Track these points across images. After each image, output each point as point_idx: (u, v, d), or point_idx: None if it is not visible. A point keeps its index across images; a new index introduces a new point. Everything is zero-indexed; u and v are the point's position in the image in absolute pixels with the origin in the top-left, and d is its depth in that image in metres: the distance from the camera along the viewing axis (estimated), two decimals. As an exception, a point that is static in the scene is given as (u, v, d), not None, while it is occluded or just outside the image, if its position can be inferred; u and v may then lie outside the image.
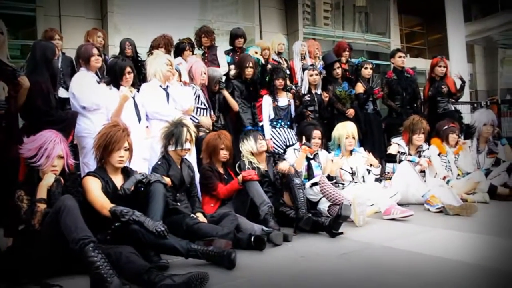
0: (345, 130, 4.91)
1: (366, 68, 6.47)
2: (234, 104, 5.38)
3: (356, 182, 4.86)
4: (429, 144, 5.58)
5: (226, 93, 5.36)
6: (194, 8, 11.18)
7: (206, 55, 6.04)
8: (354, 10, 13.15)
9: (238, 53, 6.19)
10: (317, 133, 4.84)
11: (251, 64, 5.51)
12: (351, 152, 4.93)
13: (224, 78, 5.59)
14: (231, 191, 4.10)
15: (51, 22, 8.79)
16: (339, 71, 6.26)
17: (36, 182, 2.96)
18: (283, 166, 4.28)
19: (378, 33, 12.83)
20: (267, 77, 5.64)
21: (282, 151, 5.32)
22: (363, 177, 4.91)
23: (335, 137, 5.00)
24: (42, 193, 2.89)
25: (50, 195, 2.92)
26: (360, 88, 6.37)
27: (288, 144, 5.45)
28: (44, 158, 2.97)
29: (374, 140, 6.16)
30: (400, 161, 5.20)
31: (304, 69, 6.26)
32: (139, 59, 5.71)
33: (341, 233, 3.75)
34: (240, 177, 4.02)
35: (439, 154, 5.56)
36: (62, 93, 4.82)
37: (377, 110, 6.56)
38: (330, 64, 6.31)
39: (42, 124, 3.47)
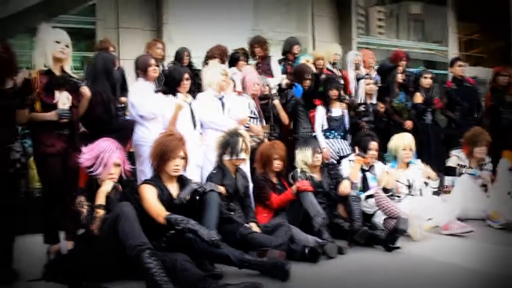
0: (402, 142, 4.77)
1: (425, 77, 6.27)
2: (284, 117, 5.36)
3: (412, 195, 4.69)
4: (497, 157, 5.30)
5: (277, 103, 5.34)
6: (247, 19, 11.27)
7: (260, 65, 6.06)
8: (408, 18, 12.83)
9: (290, 62, 6.18)
10: (373, 144, 4.74)
11: (309, 76, 5.51)
12: (407, 164, 4.78)
13: (277, 88, 5.59)
14: (284, 201, 4.07)
15: (110, 34, 9.12)
16: (401, 76, 6.15)
17: (95, 189, 3.06)
18: (345, 189, 4.19)
19: (434, 42, 12.43)
20: (321, 87, 5.58)
21: (335, 161, 5.23)
22: (420, 190, 4.73)
23: (391, 149, 4.87)
24: (101, 199, 2.99)
25: (108, 201, 3.01)
26: (418, 98, 6.18)
27: (341, 155, 5.36)
28: (102, 167, 3.08)
29: (432, 152, 5.95)
30: (460, 174, 5.00)
31: (358, 79, 6.15)
32: (193, 68, 5.80)
33: (398, 247, 3.65)
34: (294, 187, 3.99)
35: (510, 169, 5.25)
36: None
37: (435, 121, 6.33)
38: (388, 71, 6.16)
39: (102, 132, 3.59)
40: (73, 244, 3.43)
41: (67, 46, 3.54)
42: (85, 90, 3.61)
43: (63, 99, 3.44)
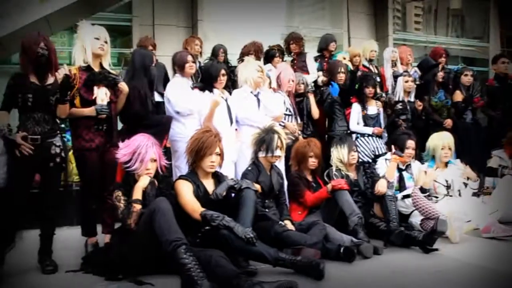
0: (441, 141, 4.64)
1: (466, 75, 6.10)
2: (315, 111, 5.30)
3: (451, 196, 4.56)
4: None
5: (312, 98, 5.30)
6: (281, 15, 11.22)
7: (295, 61, 6.01)
8: (448, 13, 12.49)
9: (326, 59, 6.11)
10: (411, 143, 4.63)
11: (342, 70, 5.46)
12: (446, 164, 4.65)
13: (312, 85, 5.54)
14: (319, 199, 4.04)
15: (146, 31, 9.26)
16: (441, 74, 6.00)
17: (132, 184, 3.10)
18: (381, 188, 4.14)
19: (474, 37, 12.06)
20: (357, 85, 5.49)
21: (371, 160, 5.15)
22: (459, 191, 4.60)
23: (429, 148, 4.74)
24: (137, 194, 3.02)
25: (145, 196, 3.04)
26: (458, 96, 6.02)
27: (376, 153, 5.26)
28: (138, 162, 3.11)
29: (473, 152, 5.77)
30: (502, 175, 4.83)
31: (395, 76, 6.02)
32: (230, 65, 5.81)
33: (436, 249, 3.57)
34: (329, 185, 3.94)
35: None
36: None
37: (476, 119, 6.14)
38: (430, 69, 6.02)
39: (139, 127, 3.64)
40: (110, 237, 3.51)
41: (106, 42, 3.61)
42: (123, 86, 3.66)
43: (101, 95, 3.51)
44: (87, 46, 3.53)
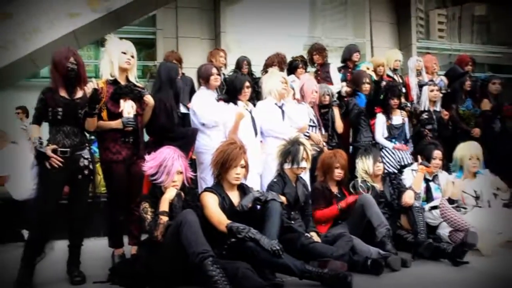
0: (469, 151, 4.57)
1: (494, 83, 6.00)
2: (339, 125, 5.29)
3: (480, 207, 4.47)
4: None
5: (336, 111, 5.30)
6: (303, 25, 11.26)
7: (319, 72, 6.01)
8: (473, 20, 12.32)
9: (350, 69, 6.09)
10: (438, 153, 4.56)
11: (367, 80, 5.42)
12: (475, 174, 4.57)
13: (336, 96, 5.52)
14: (328, 216, 4.05)
15: (169, 43, 9.42)
16: (468, 83, 5.90)
17: (159, 196, 3.12)
18: (409, 199, 4.10)
19: (500, 44, 11.84)
20: (382, 95, 5.45)
21: (396, 171, 5.08)
22: (488, 201, 4.51)
23: (457, 158, 4.68)
24: (164, 206, 3.03)
25: (171, 208, 3.05)
26: (486, 105, 5.91)
27: (402, 164, 5.19)
28: (165, 175, 3.13)
29: (502, 161, 5.63)
30: (535, 185, 4.70)
31: (420, 86, 5.96)
32: (254, 77, 5.84)
33: (466, 262, 3.48)
34: (340, 204, 3.96)
35: None
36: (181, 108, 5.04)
37: (506, 128, 5.99)
38: (458, 77, 5.93)
39: (165, 139, 3.68)
40: (136, 249, 3.54)
41: (132, 56, 3.67)
42: (149, 99, 3.70)
43: (128, 108, 3.56)
44: (114, 60, 3.59)
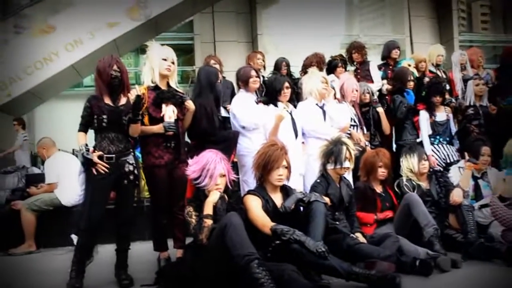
0: (519, 146, 4.37)
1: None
2: (386, 126, 5.22)
3: (535, 204, 4.27)
4: None
5: (381, 111, 5.21)
6: (340, 24, 11.18)
7: (359, 71, 5.93)
8: (518, 10, 11.86)
9: (390, 67, 5.97)
10: (486, 149, 4.40)
11: (412, 77, 5.32)
12: (527, 170, 4.37)
13: (377, 94, 5.43)
14: (363, 221, 3.98)
15: (207, 48, 9.55)
16: None
17: (202, 199, 3.12)
18: (457, 198, 3.98)
19: (549, 33, 11.36)
20: (424, 91, 5.30)
21: (442, 168, 4.93)
22: (543, 198, 4.30)
23: (507, 154, 4.47)
24: (208, 209, 3.03)
25: (215, 211, 3.06)
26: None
27: (448, 161, 5.05)
28: (208, 178, 3.12)
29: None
30: None
31: (465, 80, 5.77)
32: (293, 77, 5.81)
33: (523, 262, 3.32)
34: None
35: None
36: (222, 112, 5.06)
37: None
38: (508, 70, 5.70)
39: (207, 143, 3.69)
40: (182, 252, 3.57)
41: (173, 63, 3.70)
42: (190, 104, 3.74)
43: (169, 112, 3.60)
44: (155, 67, 3.63)
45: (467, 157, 4.46)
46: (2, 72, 6.44)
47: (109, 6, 6.74)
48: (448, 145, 5.19)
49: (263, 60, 5.97)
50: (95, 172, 3.21)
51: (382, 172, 4.09)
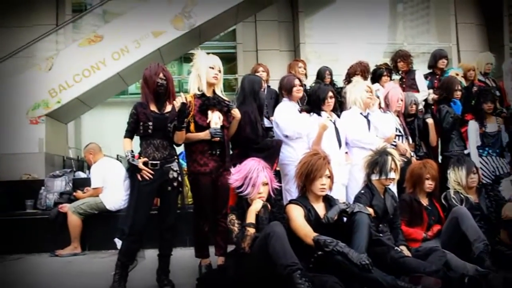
0: None
1: None
2: (434, 137, 5.10)
3: None
4: None
5: (431, 122, 5.09)
6: (383, 32, 11.01)
7: (404, 80, 5.81)
8: None
9: (437, 76, 5.82)
10: (539, 162, 4.20)
11: (459, 87, 5.17)
12: None
13: (422, 104, 5.29)
14: (411, 237, 3.83)
15: (250, 56, 9.62)
16: None
17: (245, 207, 3.13)
18: (509, 212, 3.83)
19: None
20: (473, 101, 5.13)
21: (491, 181, 4.75)
22: None
23: (562, 168, 4.26)
24: (251, 218, 3.03)
25: (258, 220, 3.05)
26: None
27: (497, 174, 4.86)
28: (250, 187, 3.12)
29: None
30: None
31: (518, 89, 5.56)
32: (336, 86, 5.75)
33: None
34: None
35: None
36: (265, 122, 5.06)
37: None
38: None
39: (250, 151, 3.70)
40: (224, 259, 3.57)
41: (219, 71, 3.74)
42: (236, 112, 3.76)
43: (215, 119, 3.63)
44: (202, 75, 3.67)
45: None
46: (54, 79, 6.69)
47: (154, 16, 6.90)
48: (498, 157, 5.00)
49: (305, 69, 5.95)
50: (140, 178, 3.27)
51: (429, 184, 3.97)
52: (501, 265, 3.51)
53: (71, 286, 3.70)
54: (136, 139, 3.44)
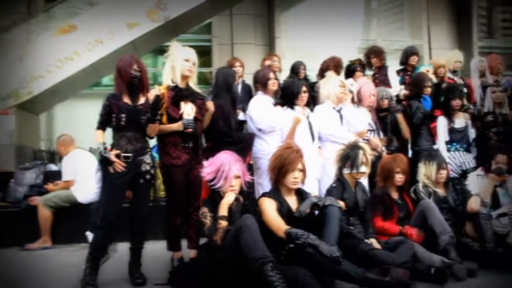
0: (542, 155, 4.30)
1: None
2: (406, 130, 5.18)
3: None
4: None
5: (400, 117, 5.18)
6: (358, 28, 11.16)
7: (377, 75, 5.90)
8: (541, 15, 11.70)
9: (409, 73, 5.93)
10: (502, 157, 4.34)
11: (429, 83, 5.27)
12: (546, 179, 4.29)
13: (395, 99, 5.39)
14: (386, 232, 3.89)
15: (225, 50, 9.59)
16: None
17: (218, 200, 3.14)
18: (475, 205, 3.94)
19: None
20: (442, 97, 5.25)
21: (458, 175, 4.88)
22: None
23: (528, 162, 4.41)
24: (223, 210, 3.04)
25: (230, 213, 3.07)
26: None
27: (464, 168, 4.99)
28: (223, 180, 3.14)
29: None
30: None
31: (484, 87, 5.70)
32: (309, 81, 5.80)
33: (544, 273, 3.27)
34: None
35: None
36: (240, 116, 5.09)
37: None
38: None
39: (223, 144, 3.71)
40: (195, 253, 3.58)
41: (194, 64, 3.73)
42: (210, 105, 3.76)
43: (188, 110, 3.62)
44: (177, 67, 3.65)
45: (493, 166, 4.38)
46: (24, 70, 6.54)
47: (129, 7, 6.80)
48: (465, 152, 5.12)
49: (279, 63, 5.97)
50: (112, 171, 3.25)
51: (399, 178, 4.05)
52: (466, 256, 3.61)
53: (41, 280, 3.63)
54: (109, 131, 3.41)
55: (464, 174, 4.81)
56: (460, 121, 5.18)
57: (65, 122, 9.40)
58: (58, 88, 6.85)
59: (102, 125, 3.37)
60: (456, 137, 5.13)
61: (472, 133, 5.25)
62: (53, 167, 6.48)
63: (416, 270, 3.20)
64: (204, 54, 9.87)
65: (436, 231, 3.63)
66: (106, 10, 6.83)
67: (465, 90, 5.72)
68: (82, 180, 5.04)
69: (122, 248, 3.51)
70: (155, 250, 4.07)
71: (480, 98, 5.68)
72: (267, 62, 5.86)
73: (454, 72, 6.16)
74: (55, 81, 6.63)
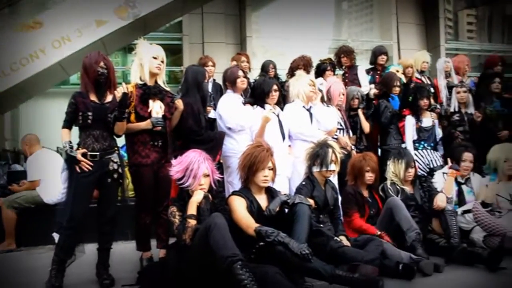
0: (504, 153, 4.42)
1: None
2: (366, 126, 5.25)
3: (516, 211, 4.32)
4: None
5: (360, 112, 5.27)
6: (329, 28, 11.26)
7: (347, 75, 5.96)
8: (503, 20, 12.04)
9: (378, 72, 6.02)
10: (468, 155, 4.45)
11: (398, 83, 5.36)
12: (510, 177, 4.41)
13: (364, 98, 5.46)
14: (364, 231, 3.91)
15: (195, 49, 9.53)
16: (496, 85, 5.60)
17: (187, 199, 3.10)
18: (441, 202, 4.02)
19: (533, 43, 11.54)
20: (410, 97, 5.35)
21: (425, 173, 4.98)
22: (525, 205, 4.35)
23: (490, 160, 4.53)
24: (192, 209, 3.00)
25: (199, 211, 3.03)
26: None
27: (431, 166, 5.09)
28: (191, 178, 3.09)
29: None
30: None
31: (449, 87, 5.83)
32: (279, 80, 5.82)
33: (504, 268, 3.35)
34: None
35: None
36: (211, 114, 5.06)
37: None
38: (486, 78, 5.77)
39: (193, 143, 3.67)
40: (165, 252, 3.54)
41: (162, 62, 3.68)
42: (179, 103, 3.72)
43: (156, 108, 3.59)
44: (145, 65, 3.60)
45: (449, 163, 4.50)
46: (-13, 67, 6.34)
47: (97, 4, 6.68)
48: (432, 151, 5.23)
49: (248, 62, 5.98)
50: (78, 170, 3.18)
51: (369, 176, 4.10)
52: (432, 252, 3.69)
53: (5, 284, 3.52)
54: (75, 129, 3.33)
55: (431, 172, 4.90)
56: (428, 120, 5.28)
57: (30, 121, 9.17)
58: (23, 86, 6.66)
59: (68, 124, 3.29)
60: (424, 136, 5.22)
61: (439, 132, 5.37)
62: (18, 167, 6.33)
63: (384, 267, 3.23)
64: (175, 53, 9.79)
65: (403, 228, 3.69)
66: (73, 6, 6.68)
67: (432, 90, 5.84)
68: (48, 180, 4.92)
69: (90, 249, 3.44)
70: (124, 250, 4.02)
71: (446, 98, 5.83)
72: (235, 63, 5.85)
73: (421, 72, 6.29)
74: (20, 79, 6.45)
